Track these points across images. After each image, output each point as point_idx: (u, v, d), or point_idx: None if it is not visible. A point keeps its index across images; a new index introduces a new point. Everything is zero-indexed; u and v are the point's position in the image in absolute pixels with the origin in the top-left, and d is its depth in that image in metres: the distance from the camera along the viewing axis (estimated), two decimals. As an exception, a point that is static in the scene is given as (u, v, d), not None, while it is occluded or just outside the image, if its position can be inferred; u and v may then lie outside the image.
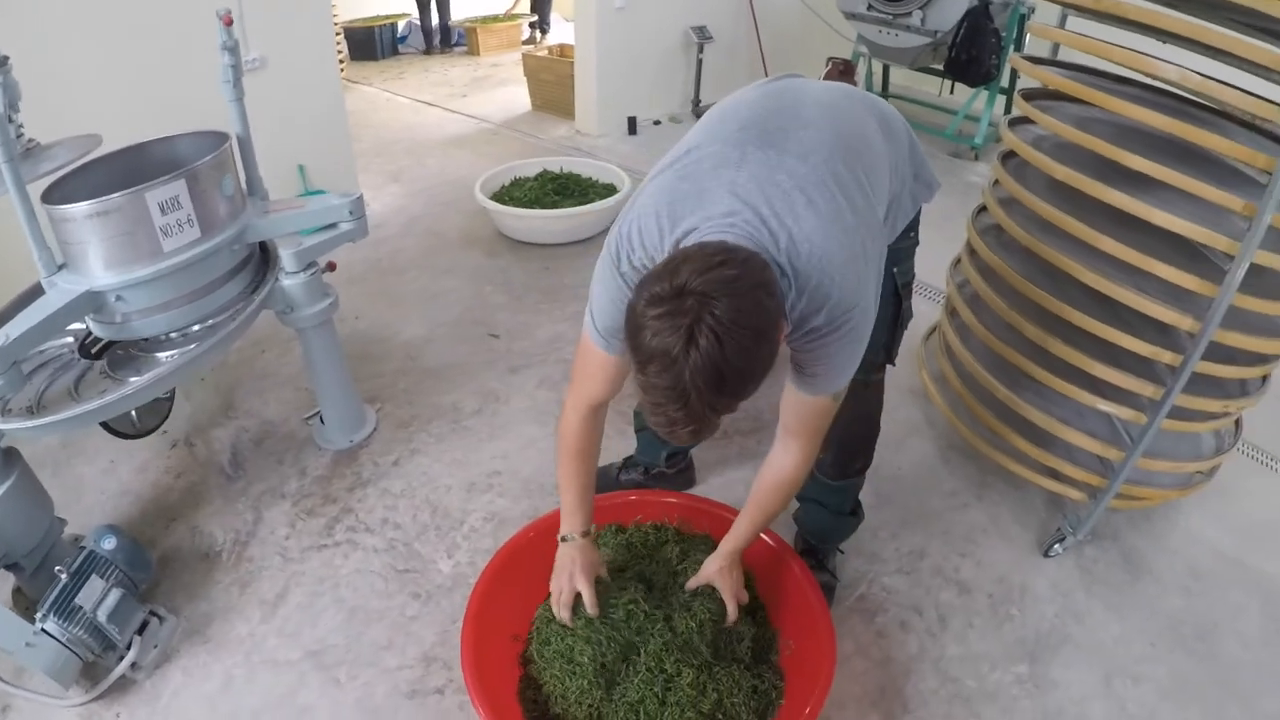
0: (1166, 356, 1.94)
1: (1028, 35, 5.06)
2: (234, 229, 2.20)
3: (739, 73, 6.53)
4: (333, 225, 2.44)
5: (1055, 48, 2.44)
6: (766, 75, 5.71)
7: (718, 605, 1.83)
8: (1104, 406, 2.09)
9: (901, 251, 1.76)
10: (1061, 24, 2.38)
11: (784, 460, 1.64)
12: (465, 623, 1.80)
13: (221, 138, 2.27)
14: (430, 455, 2.68)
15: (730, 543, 1.81)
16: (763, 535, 1.95)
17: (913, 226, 1.77)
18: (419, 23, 9.22)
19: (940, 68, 5.34)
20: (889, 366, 1.92)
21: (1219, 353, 1.94)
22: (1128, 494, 2.24)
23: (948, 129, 5.56)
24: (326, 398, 2.66)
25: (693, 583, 1.85)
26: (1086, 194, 1.98)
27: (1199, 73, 1.79)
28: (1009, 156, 2.40)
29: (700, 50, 6.07)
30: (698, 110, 6.26)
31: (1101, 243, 1.94)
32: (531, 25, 9.90)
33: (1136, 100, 1.96)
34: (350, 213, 2.43)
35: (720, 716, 1.67)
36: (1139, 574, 2.29)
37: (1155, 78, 1.89)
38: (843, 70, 5.55)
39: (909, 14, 5.05)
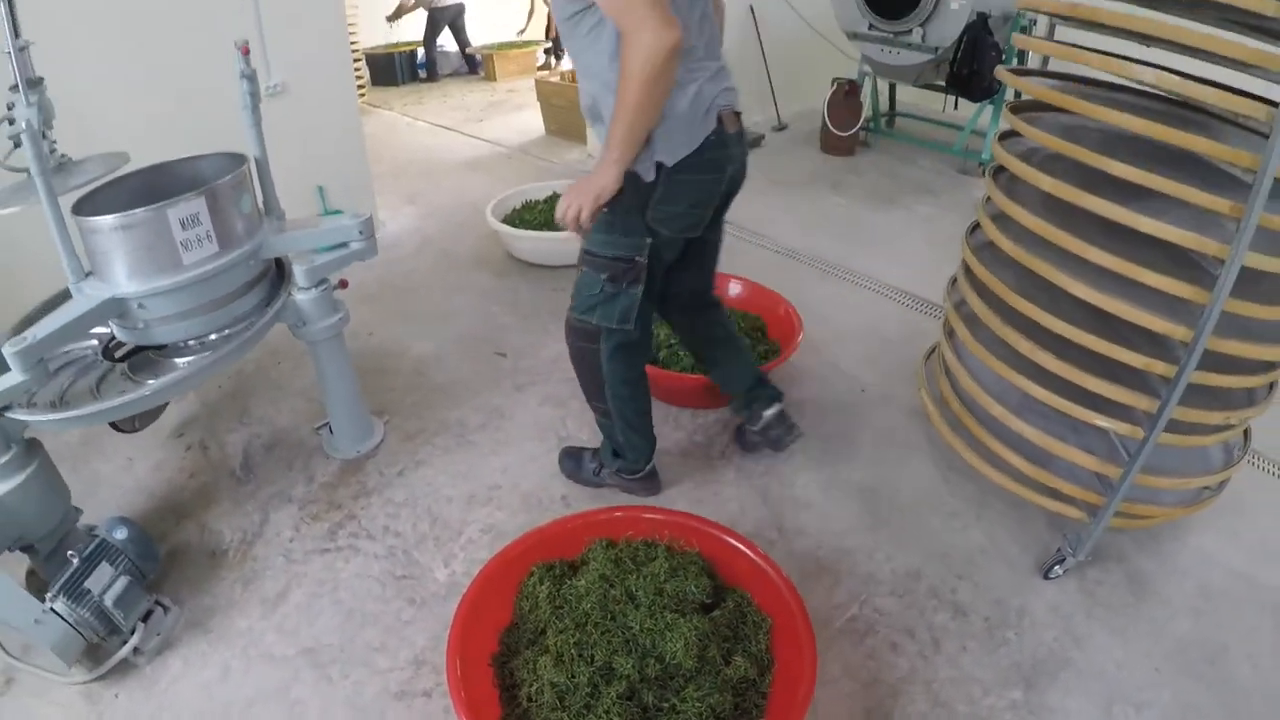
0: (1159, 367, 1.90)
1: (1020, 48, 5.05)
2: (250, 245, 2.30)
3: (747, 95, 6.45)
4: (344, 244, 2.52)
5: (1045, 59, 2.43)
6: (774, 99, 5.71)
7: (703, 625, 1.86)
8: (1101, 422, 2.05)
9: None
10: (1050, 34, 2.36)
11: None
12: (453, 627, 1.85)
13: (240, 159, 2.38)
14: (434, 467, 2.73)
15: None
16: (753, 556, 2.02)
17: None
18: (424, 52, 9.43)
19: (943, 84, 5.39)
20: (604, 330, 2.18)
21: (1221, 362, 1.90)
22: (1130, 512, 2.21)
23: (955, 145, 5.61)
24: (336, 409, 2.72)
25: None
26: (1078, 205, 1.95)
27: (1177, 72, 1.77)
28: (1000, 171, 2.38)
29: (709, 74, 6.12)
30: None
31: (1089, 253, 1.91)
32: (546, 51, 10.10)
33: (1124, 106, 1.96)
34: (360, 232, 2.51)
35: None
36: (1145, 596, 2.25)
37: (1131, 80, 1.86)
38: (848, 91, 5.66)
39: (909, 31, 5.13)
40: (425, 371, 3.28)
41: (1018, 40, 2.29)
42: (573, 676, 1.76)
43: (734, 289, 3.42)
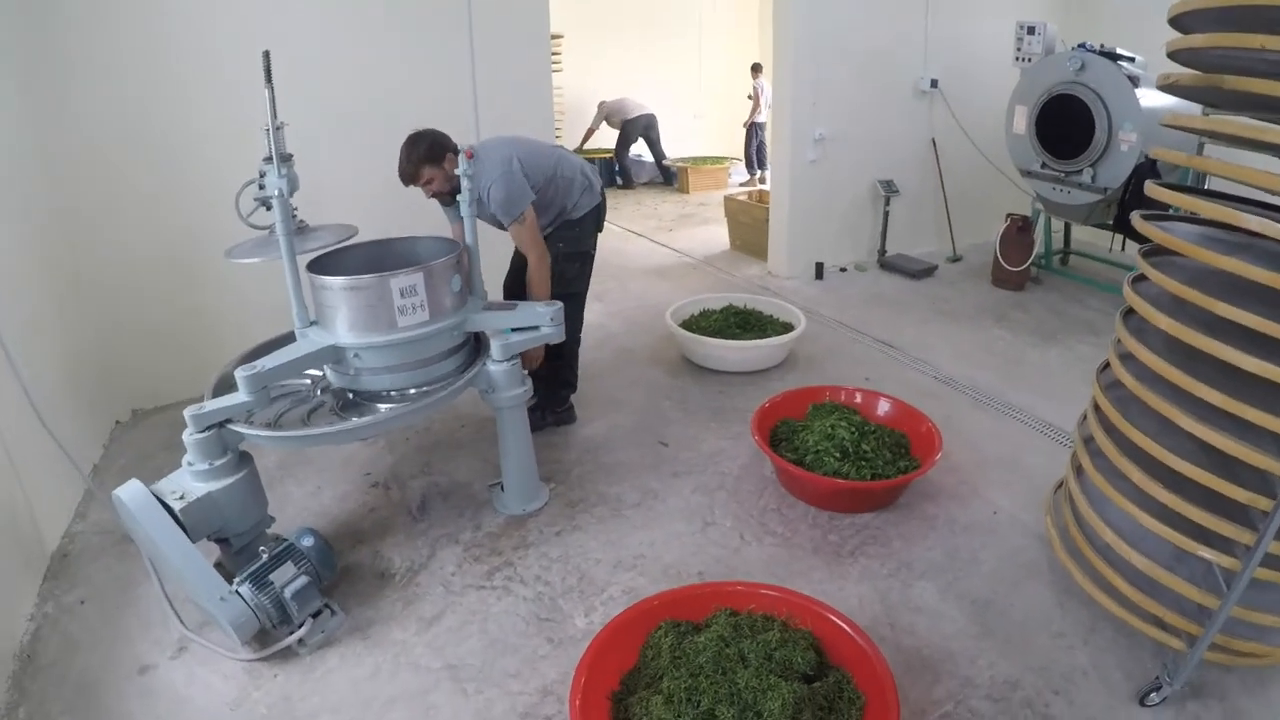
0: (1263, 503, 1.94)
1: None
2: (455, 318, 2.74)
3: (925, 225, 6.82)
4: (535, 327, 2.92)
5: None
6: (951, 230, 6.11)
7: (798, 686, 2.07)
8: (1204, 553, 2.09)
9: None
10: (1201, 181, 2.41)
11: None
12: (582, 660, 2.14)
13: (455, 245, 2.85)
14: (588, 533, 3.05)
15: None
16: (859, 641, 2.22)
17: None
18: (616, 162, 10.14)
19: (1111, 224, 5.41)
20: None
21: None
22: (1234, 648, 2.22)
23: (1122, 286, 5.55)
24: (509, 469, 3.09)
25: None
26: (1195, 346, 2.04)
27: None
28: (1130, 313, 2.50)
29: (887, 203, 6.41)
30: (883, 260, 6.53)
31: (1201, 391, 2.01)
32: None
33: (1260, 251, 2.07)
34: (550, 320, 2.92)
35: None
36: (1239, 734, 2.24)
37: (1241, 228, 1.96)
38: (1020, 227, 5.80)
39: (1079, 171, 5.24)
40: (593, 450, 3.65)
41: (1149, 188, 2.42)
42: (679, 716, 2.00)
43: (882, 407, 3.59)
